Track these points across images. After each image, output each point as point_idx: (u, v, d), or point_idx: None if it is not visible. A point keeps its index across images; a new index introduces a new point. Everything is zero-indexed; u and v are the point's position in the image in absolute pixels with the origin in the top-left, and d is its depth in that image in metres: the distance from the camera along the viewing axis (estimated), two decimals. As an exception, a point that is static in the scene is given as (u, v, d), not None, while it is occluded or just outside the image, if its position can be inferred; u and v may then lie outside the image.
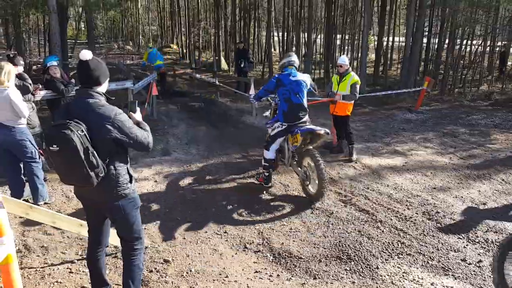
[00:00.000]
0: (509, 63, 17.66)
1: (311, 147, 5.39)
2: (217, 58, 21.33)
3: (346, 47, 20.55)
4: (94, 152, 2.61)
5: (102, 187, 2.76)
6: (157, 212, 5.00)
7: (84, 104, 2.71)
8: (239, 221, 4.81)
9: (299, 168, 5.55)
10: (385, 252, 4.05)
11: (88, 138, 2.60)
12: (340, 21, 20.51)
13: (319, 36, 22.81)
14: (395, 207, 5.14)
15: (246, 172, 6.52)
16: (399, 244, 4.18)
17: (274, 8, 19.83)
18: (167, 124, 9.87)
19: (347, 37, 20.48)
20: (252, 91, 10.36)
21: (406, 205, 5.20)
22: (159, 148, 7.84)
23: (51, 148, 2.56)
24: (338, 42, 20.88)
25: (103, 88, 2.87)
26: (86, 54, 2.73)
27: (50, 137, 2.58)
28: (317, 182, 5.16)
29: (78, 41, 25.42)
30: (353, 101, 7.25)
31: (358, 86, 7.09)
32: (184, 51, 27.44)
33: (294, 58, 5.57)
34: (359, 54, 16.90)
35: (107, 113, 2.69)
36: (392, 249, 4.10)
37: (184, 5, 27.71)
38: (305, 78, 5.53)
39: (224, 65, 21.70)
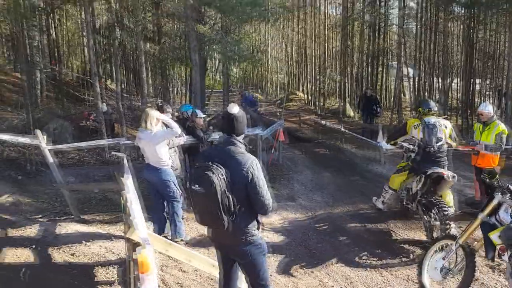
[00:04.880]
0: None
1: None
2: (342, 104, 21.28)
3: (488, 92, 18.81)
4: (230, 196, 2.75)
5: (232, 231, 2.86)
6: (283, 260, 4.99)
7: (225, 151, 2.91)
8: (366, 275, 4.54)
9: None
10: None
11: (226, 182, 2.76)
12: (480, 65, 18.97)
13: (455, 81, 21.33)
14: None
15: (374, 223, 6.20)
16: None
17: (404, 53, 19.27)
18: (292, 170, 9.99)
19: (488, 82, 18.78)
20: (380, 138, 10.02)
21: None
22: (285, 193, 7.94)
23: (193, 187, 2.77)
24: (477, 87, 19.26)
25: (242, 139, 3.06)
26: (234, 108, 2.99)
27: (194, 177, 2.80)
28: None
29: (214, 90, 27.79)
30: (498, 153, 6.54)
31: (504, 137, 6.39)
32: (309, 97, 28.00)
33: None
34: (503, 101, 15.28)
35: (245, 160, 2.85)
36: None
37: (311, 53, 28.58)
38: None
39: (349, 111, 21.51)
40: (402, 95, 18.96)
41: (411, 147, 5.80)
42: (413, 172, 5.76)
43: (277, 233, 5.86)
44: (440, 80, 18.07)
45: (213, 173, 2.72)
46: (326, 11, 26.04)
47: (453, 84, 21.08)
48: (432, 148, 5.45)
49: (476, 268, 3.81)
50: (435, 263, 3.97)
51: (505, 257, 3.50)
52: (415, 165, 5.69)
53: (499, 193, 3.63)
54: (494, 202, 3.64)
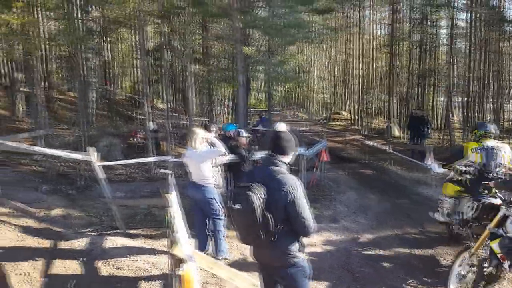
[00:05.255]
0: None
1: None
2: (389, 124, 20.81)
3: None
4: (270, 216, 2.75)
5: (274, 252, 2.85)
6: (325, 284, 4.87)
7: (267, 171, 2.92)
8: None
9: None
10: None
11: (266, 202, 2.76)
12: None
13: (511, 101, 20.34)
14: None
15: (422, 249, 5.95)
16: None
17: (456, 74, 18.66)
18: (335, 191, 9.81)
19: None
20: (430, 160, 9.67)
21: None
22: (327, 214, 7.80)
23: (234, 206, 2.81)
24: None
25: (288, 159, 3.04)
26: (281, 126, 3.03)
27: (235, 196, 2.84)
28: None
29: (257, 109, 28.05)
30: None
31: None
32: (355, 117, 27.64)
33: None
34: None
35: (285, 180, 2.84)
36: None
37: (357, 73, 28.32)
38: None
39: (396, 132, 20.99)
40: (452, 115, 18.30)
41: (465, 168, 5.56)
42: (467, 193, 5.52)
43: (319, 255, 5.75)
44: (492, 101, 17.30)
45: (253, 192, 2.75)
46: (373, 31, 25.81)
47: (508, 105, 20.15)
48: (491, 174, 5.25)
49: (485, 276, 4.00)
50: (454, 271, 4.33)
51: (506, 265, 3.84)
52: (471, 188, 5.45)
53: (505, 207, 3.99)
54: (500, 214, 3.98)
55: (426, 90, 22.36)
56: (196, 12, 13.49)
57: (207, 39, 17.16)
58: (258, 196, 2.74)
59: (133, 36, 24.05)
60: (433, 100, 23.00)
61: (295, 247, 2.90)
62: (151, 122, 12.63)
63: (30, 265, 4.91)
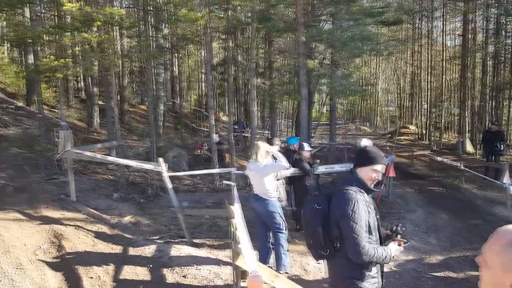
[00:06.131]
0: None
1: None
2: (461, 139, 19.70)
3: None
4: (320, 228, 2.66)
5: (333, 271, 2.79)
6: (392, 304, 4.67)
7: (337, 183, 2.90)
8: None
9: None
10: None
11: (323, 214, 2.69)
12: None
13: None
14: None
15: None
16: None
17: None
18: (403, 208, 9.43)
19: None
20: (506, 179, 9.00)
21: None
22: (394, 233, 7.49)
23: (301, 212, 2.86)
24: None
25: (365, 174, 2.80)
26: (363, 142, 3.00)
27: (302, 203, 2.84)
28: None
29: (320, 122, 27.81)
30: None
31: None
32: (423, 131, 26.49)
33: None
34: None
35: (343, 196, 2.66)
36: None
37: (425, 86, 27.23)
38: None
39: (469, 147, 19.80)
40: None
41: None
42: None
43: (386, 275, 5.48)
44: None
45: (310, 202, 2.75)
46: (444, 42, 24.67)
47: None
48: None
49: None
50: None
51: None
52: None
53: None
54: None
55: (502, 103, 20.99)
56: (261, 27, 13.74)
57: (271, 53, 17.40)
58: (312, 206, 2.70)
59: (200, 51, 25.01)
60: (509, 115, 21.51)
61: (354, 273, 2.67)
62: (215, 135, 12.97)
63: (103, 269, 5.18)
